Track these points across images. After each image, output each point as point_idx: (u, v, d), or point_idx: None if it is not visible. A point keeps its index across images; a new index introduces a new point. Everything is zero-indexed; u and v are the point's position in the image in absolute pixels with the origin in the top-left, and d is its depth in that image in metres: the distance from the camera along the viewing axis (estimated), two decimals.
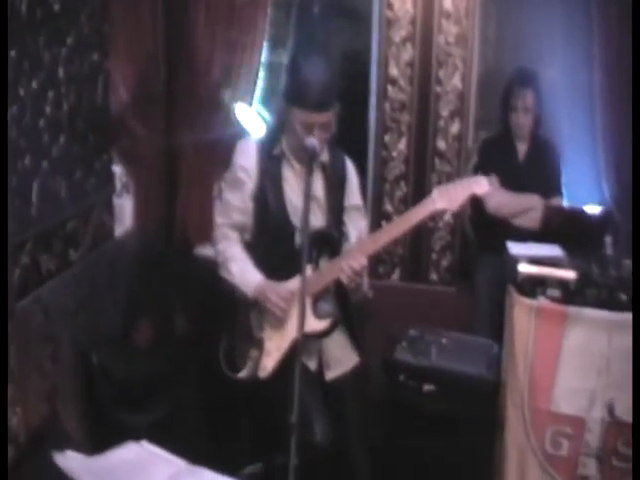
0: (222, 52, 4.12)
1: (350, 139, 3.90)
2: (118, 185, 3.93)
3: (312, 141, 2.92)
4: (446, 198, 2.92)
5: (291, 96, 3.00)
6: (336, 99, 3.01)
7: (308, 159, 2.92)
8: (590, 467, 3.21)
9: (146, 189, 4.13)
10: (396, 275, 4.59)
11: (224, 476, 2.43)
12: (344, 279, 2.95)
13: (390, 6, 4.31)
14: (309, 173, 2.87)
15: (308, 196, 2.82)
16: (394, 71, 4.38)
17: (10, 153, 2.72)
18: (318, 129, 2.96)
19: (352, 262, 2.92)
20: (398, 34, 4.34)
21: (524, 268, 3.22)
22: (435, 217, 4.20)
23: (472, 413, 3.40)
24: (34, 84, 2.92)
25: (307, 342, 2.91)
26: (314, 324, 2.98)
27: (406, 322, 3.86)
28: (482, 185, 2.97)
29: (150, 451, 2.52)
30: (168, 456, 2.51)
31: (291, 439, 2.45)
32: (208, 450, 3.26)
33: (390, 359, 3.56)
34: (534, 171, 4.19)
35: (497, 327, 3.47)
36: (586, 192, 4.29)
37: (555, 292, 3.18)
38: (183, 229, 4.30)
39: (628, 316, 3.04)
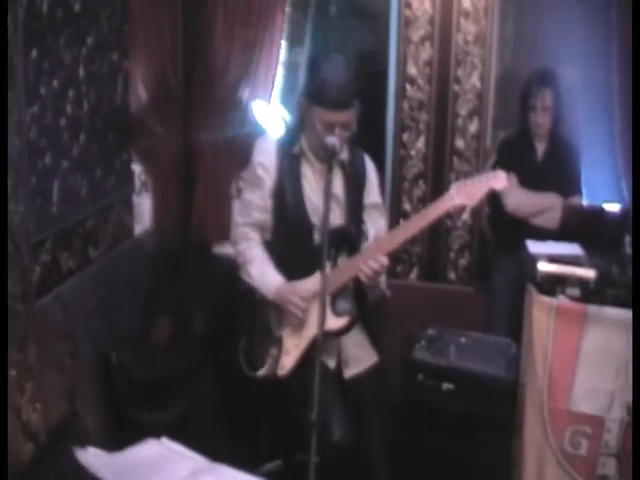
0: (240, 51, 4.14)
1: (368, 138, 3.91)
2: (137, 184, 3.95)
3: (332, 139, 2.93)
4: (464, 194, 2.92)
5: (312, 95, 3.01)
6: (356, 98, 3.02)
7: (328, 158, 2.91)
8: (609, 467, 3.19)
9: (164, 187, 4.16)
10: (414, 274, 4.56)
11: (244, 473, 2.44)
12: (363, 278, 2.95)
13: (409, 5, 4.28)
14: (329, 171, 2.86)
15: (328, 194, 2.82)
16: (412, 70, 4.35)
17: (31, 152, 2.74)
18: (339, 128, 2.97)
19: (371, 262, 2.91)
20: (417, 33, 4.31)
21: (544, 267, 3.20)
22: (453, 215, 4.19)
23: (491, 412, 3.39)
24: (55, 83, 2.93)
25: (326, 340, 2.90)
26: (332, 322, 2.97)
27: (424, 321, 3.85)
28: (500, 180, 2.95)
29: (170, 448, 2.54)
30: (188, 453, 2.53)
31: (311, 438, 2.45)
32: (227, 448, 3.26)
33: (409, 358, 3.55)
34: (553, 170, 4.17)
35: (515, 326, 3.45)
36: (605, 191, 4.25)
37: (575, 291, 3.16)
38: (201, 227, 4.31)
39: None
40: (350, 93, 3.00)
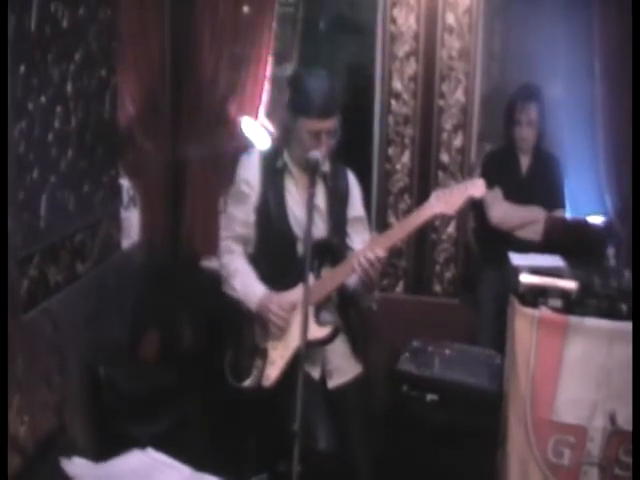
0: (227, 67, 4.16)
1: (354, 152, 3.95)
2: (125, 198, 3.96)
3: (315, 154, 2.97)
4: (444, 202, 2.96)
5: (297, 106, 3.05)
6: (339, 106, 3.07)
7: (311, 171, 2.96)
8: (592, 476, 3.22)
9: (152, 202, 4.17)
10: (400, 287, 4.60)
11: None
12: (360, 273, 2.96)
13: (394, 21, 4.34)
14: (312, 185, 2.91)
15: (311, 208, 2.87)
16: (398, 85, 4.40)
17: (19, 167, 2.76)
18: (325, 135, 3.01)
19: (368, 253, 2.94)
20: (402, 49, 4.37)
21: (526, 278, 3.25)
22: (437, 225, 4.25)
23: (475, 423, 3.43)
24: (43, 99, 2.95)
25: (310, 350, 2.94)
26: (316, 332, 2.99)
27: (410, 333, 3.90)
28: (479, 188, 2.98)
29: (155, 458, 2.56)
30: (173, 462, 2.55)
31: (294, 447, 2.48)
32: (213, 461, 3.27)
33: (393, 369, 3.59)
34: (537, 184, 4.23)
35: (500, 338, 3.48)
36: (588, 204, 4.31)
37: (557, 302, 3.21)
38: (189, 242, 4.32)
39: (629, 326, 3.07)
40: (334, 101, 3.05)
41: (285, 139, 3.22)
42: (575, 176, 4.32)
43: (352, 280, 3.09)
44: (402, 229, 3.06)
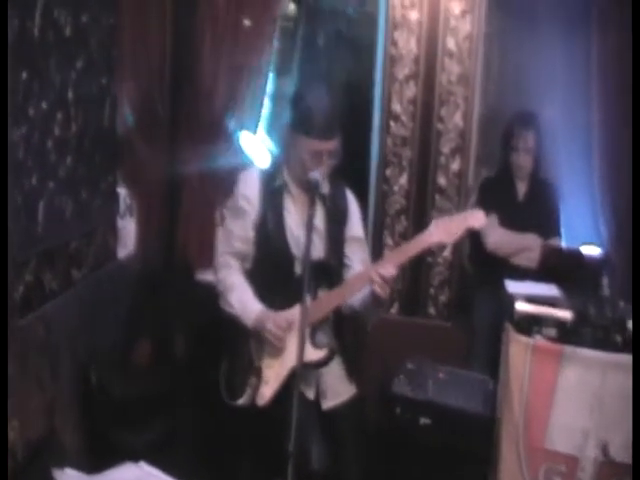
0: (227, 78, 4.17)
1: (352, 172, 3.95)
2: (122, 207, 3.98)
3: (315, 174, 2.97)
4: (443, 231, 2.96)
5: (298, 125, 3.04)
6: (340, 128, 3.07)
7: (310, 192, 2.96)
8: None
9: (149, 211, 4.18)
10: (395, 309, 4.61)
11: None
12: (376, 288, 2.95)
13: (394, 43, 4.38)
14: (311, 206, 2.91)
15: (310, 228, 2.87)
16: (397, 107, 4.43)
17: (17, 172, 2.77)
18: (326, 156, 3.01)
19: (381, 270, 2.93)
20: (402, 71, 4.40)
21: (521, 306, 3.27)
22: (435, 251, 4.25)
23: (468, 448, 3.43)
24: (44, 105, 2.97)
25: (305, 371, 2.93)
26: (311, 354, 2.99)
27: (404, 355, 3.90)
28: (478, 219, 2.98)
29: (148, 472, 2.54)
30: (166, 478, 2.53)
31: (288, 467, 2.47)
32: (206, 473, 3.27)
33: (387, 392, 3.59)
34: (533, 211, 4.24)
35: (493, 362, 3.49)
36: (584, 232, 4.33)
37: (551, 331, 3.23)
38: (184, 253, 4.32)
39: (623, 357, 3.10)
40: (335, 122, 3.04)
41: (285, 157, 3.21)
42: (571, 204, 4.34)
43: (356, 298, 3.09)
44: (401, 255, 3.04)
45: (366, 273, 3.02)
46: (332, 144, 3.02)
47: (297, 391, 2.63)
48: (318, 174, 2.97)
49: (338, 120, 3.07)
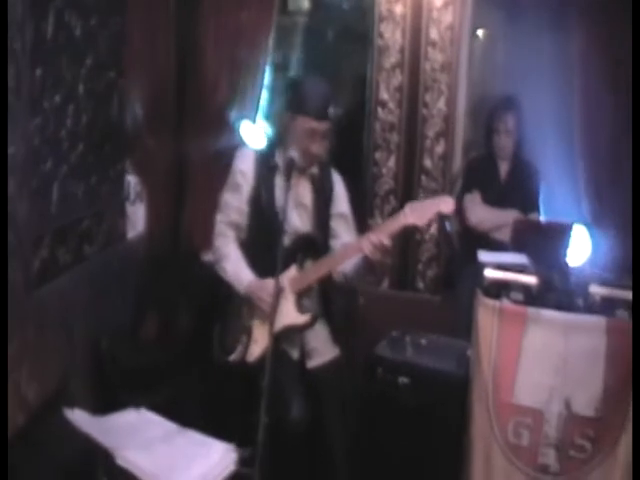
0: (228, 72, 4.36)
1: (348, 158, 4.20)
2: (132, 194, 4.18)
3: (292, 153, 3.29)
4: (416, 214, 3.20)
5: (296, 105, 3.34)
6: (333, 112, 3.36)
7: (288, 168, 3.27)
8: (550, 457, 3.35)
9: (158, 197, 4.37)
10: (385, 283, 4.82)
11: (211, 438, 2.72)
12: (369, 254, 3.18)
13: (381, 35, 4.59)
14: (288, 179, 3.23)
15: (286, 197, 3.17)
16: (384, 95, 4.65)
17: (34, 158, 3.01)
18: (319, 137, 3.30)
19: (372, 237, 3.17)
20: (388, 61, 4.62)
21: (490, 273, 3.42)
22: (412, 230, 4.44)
23: (443, 406, 3.59)
24: (57, 99, 3.20)
25: (290, 333, 3.27)
26: (296, 318, 3.30)
27: (394, 327, 4.03)
28: (448, 204, 3.21)
29: (147, 416, 2.85)
30: (163, 420, 2.84)
31: (262, 400, 2.75)
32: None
33: (370, 354, 3.77)
34: (515, 189, 4.46)
35: None
36: (567, 209, 4.46)
37: (518, 295, 3.37)
38: (191, 236, 4.50)
39: (584, 318, 3.26)
40: (329, 106, 3.34)
41: (279, 141, 3.48)
42: (554, 182, 4.50)
43: (348, 266, 3.34)
44: (377, 234, 3.24)
45: (355, 244, 3.28)
46: (324, 126, 3.31)
47: (272, 338, 2.98)
48: (295, 152, 3.27)
49: (331, 105, 3.35)
